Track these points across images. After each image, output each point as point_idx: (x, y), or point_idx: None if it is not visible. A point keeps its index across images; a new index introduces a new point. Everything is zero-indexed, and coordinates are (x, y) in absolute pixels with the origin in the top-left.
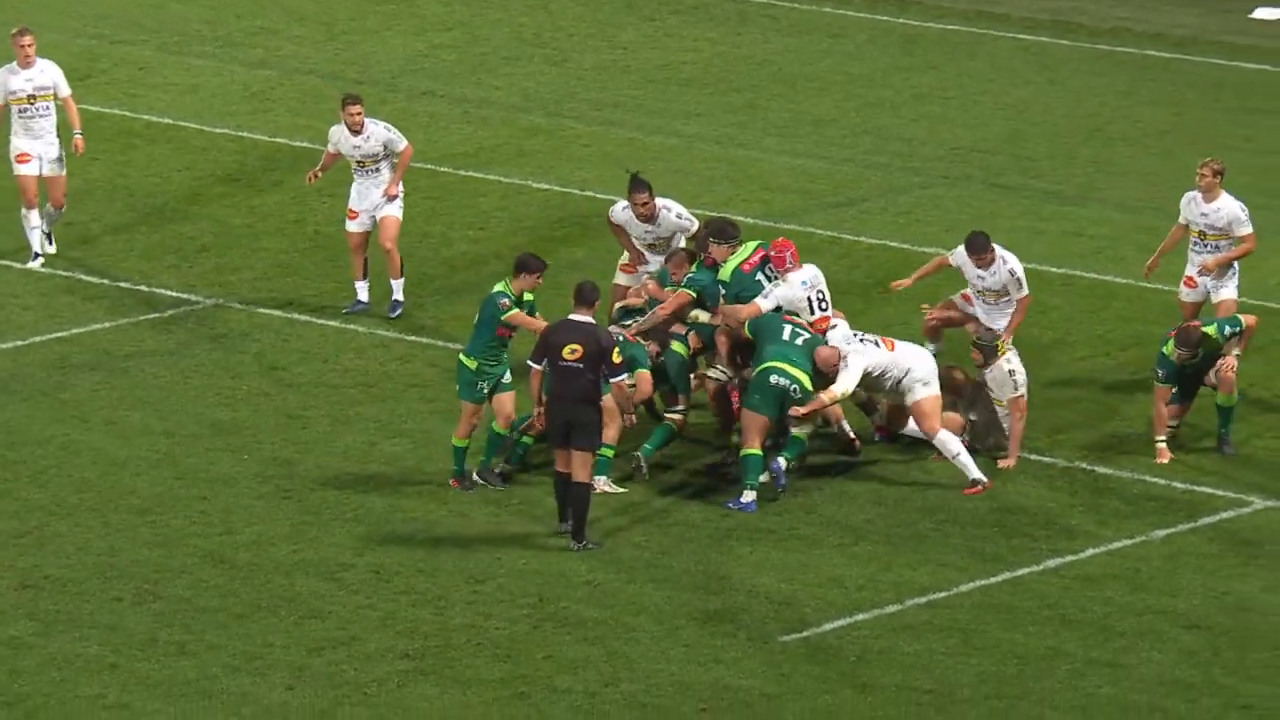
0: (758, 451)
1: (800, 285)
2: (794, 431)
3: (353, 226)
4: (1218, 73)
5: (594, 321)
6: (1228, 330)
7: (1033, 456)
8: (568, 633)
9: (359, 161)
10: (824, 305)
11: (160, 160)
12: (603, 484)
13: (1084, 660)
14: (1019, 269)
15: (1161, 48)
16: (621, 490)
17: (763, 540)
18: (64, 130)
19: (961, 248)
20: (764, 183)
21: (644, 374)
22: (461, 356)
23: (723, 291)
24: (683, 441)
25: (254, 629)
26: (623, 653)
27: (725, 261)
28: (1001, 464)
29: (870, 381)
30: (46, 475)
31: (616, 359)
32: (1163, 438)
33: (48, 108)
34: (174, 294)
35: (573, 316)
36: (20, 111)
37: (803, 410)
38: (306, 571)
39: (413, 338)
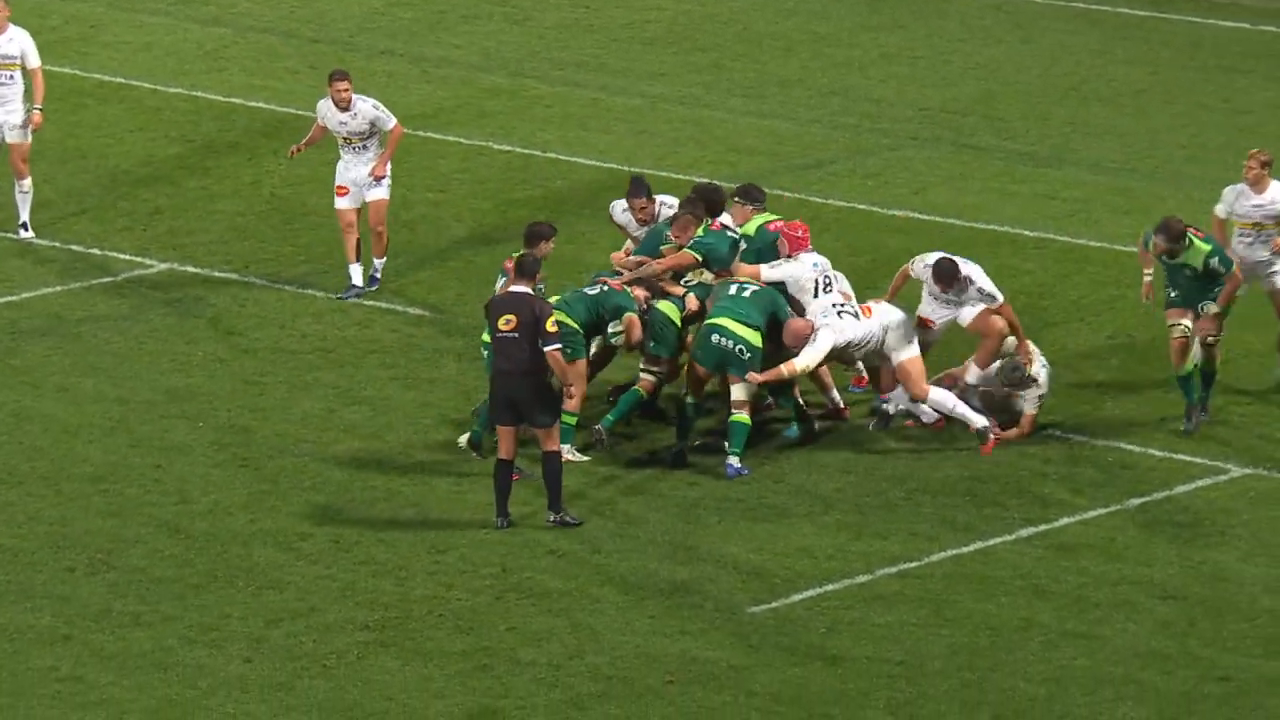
0: (745, 419)
1: (810, 266)
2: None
3: (342, 203)
4: (1195, 31)
5: (530, 292)
6: (1215, 262)
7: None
8: (532, 604)
9: (345, 138)
10: (829, 289)
11: (112, 121)
12: (566, 452)
13: (1058, 632)
14: (987, 284)
15: (1137, 5)
16: (585, 459)
17: (730, 510)
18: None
19: (922, 264)
20: (730, 144)
21: (631, 317)
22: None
23: (743, 247)
24: (655, 407)
25: (211, 600)
26: (587, 624)
27: (748, 221)
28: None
29: (843, 353)
30: None
31: (551, 328)
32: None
33: (12, 76)
34: (127, 258)
35: (511, 288)
36: None
37: (760, 378)
38: (264, 541)
39: (372, 303)
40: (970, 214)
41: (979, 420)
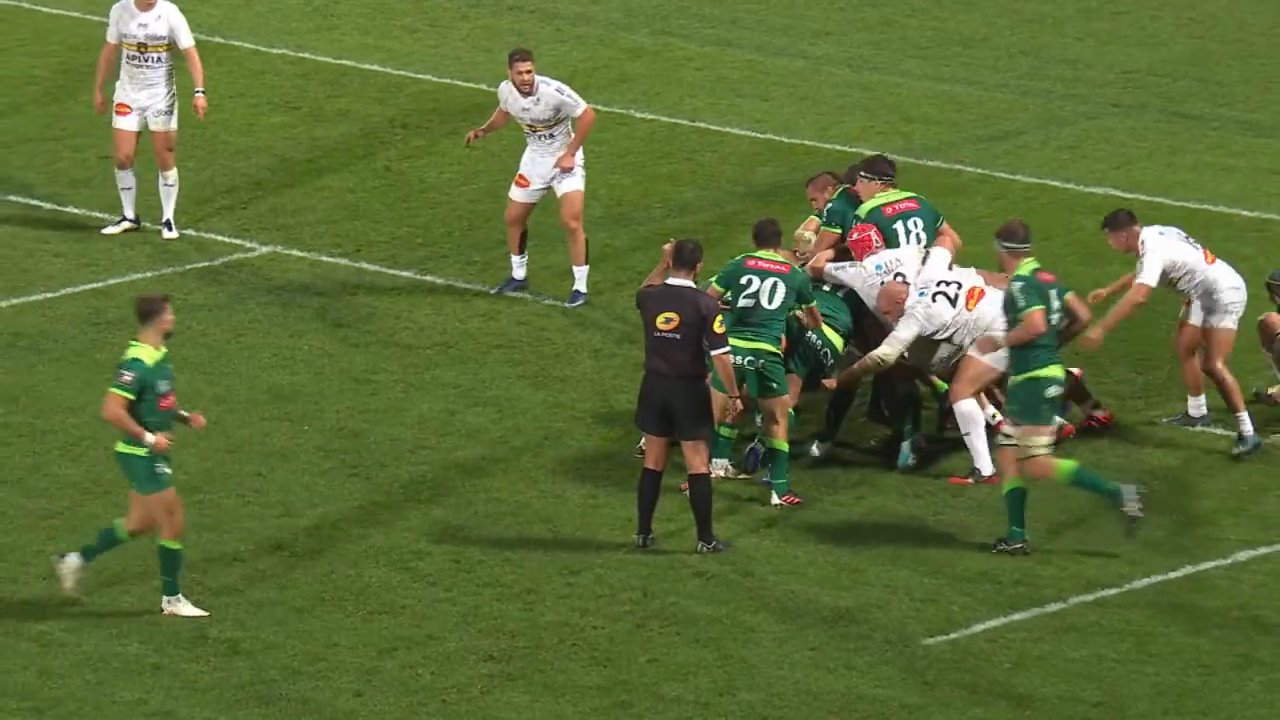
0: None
1: (874, 270)
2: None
3: (517, 194)
4: None
5: (694, 286)
6: None
7: (1220, 430)
8: (676, 633)
9: (529, 125)
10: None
11: (210, 85)
12: (718, 469)
13: None
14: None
15: None
16: (743, 476)
17: (900, 529)
18: (185, 84)
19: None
20: (903, 112)
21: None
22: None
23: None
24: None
25: (316, 626)
26: (740, 656)
27: (871, 198)
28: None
29: (925, 345)
30: (80, 448)
31: (719, 328)
32: None
33: (159, 58)
34: (225, 239)
35: (670, 281)
36: (129, 58)
37: (835, 383)
38: (376, 560)
39: (497, 291)
40: (1180, 191)
41: (983, 460)
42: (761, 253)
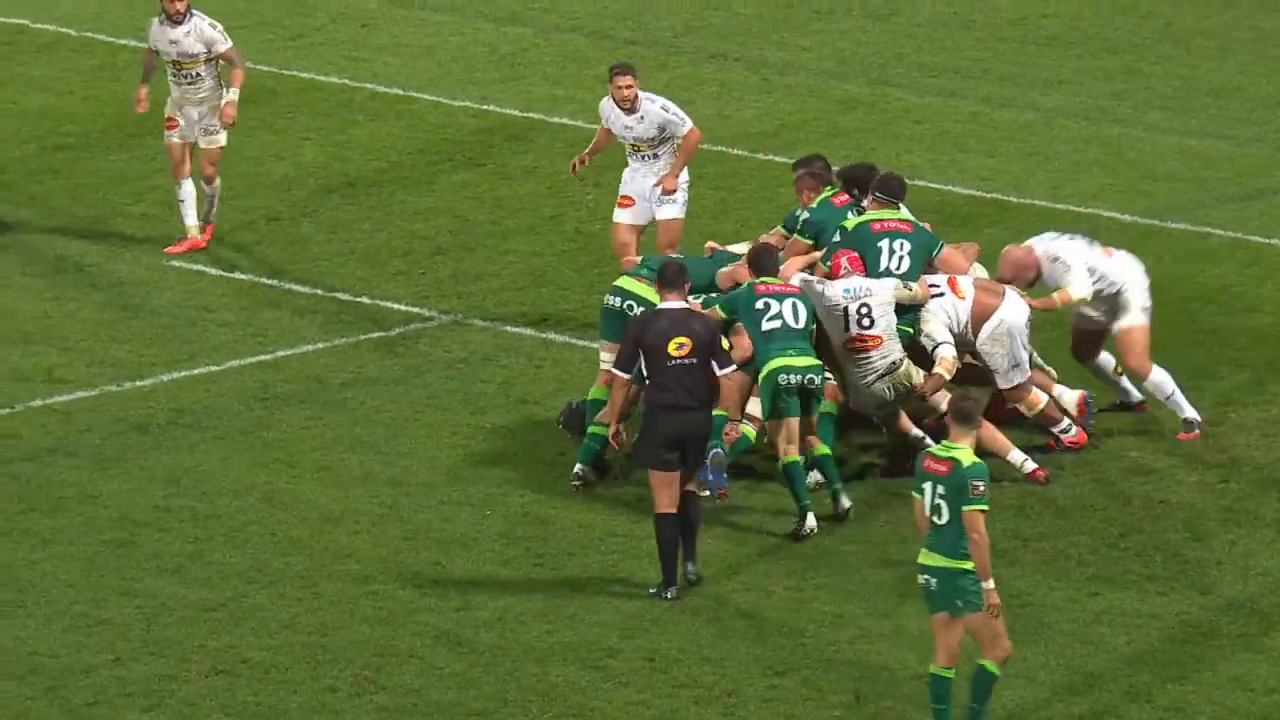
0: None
1: (841, 293)
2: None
3: (621, 216)
4: None
5: (688, 306)
6: None
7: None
8: None
9: (632, 144)
10: (865, 324)
11: (387, 141)
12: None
13: None
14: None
15: None
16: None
17: (1143, 625)
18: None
19: None
20: (1145, 169)
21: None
22: None
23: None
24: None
25: None
26: None
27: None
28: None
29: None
30: (245, 534)
31: (725, 346)
32: None
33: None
34: (402, 307)
35: (666, 305)
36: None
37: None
38: (563, 658)
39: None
40: None
41: (1189, 408)
42: (766, 279)
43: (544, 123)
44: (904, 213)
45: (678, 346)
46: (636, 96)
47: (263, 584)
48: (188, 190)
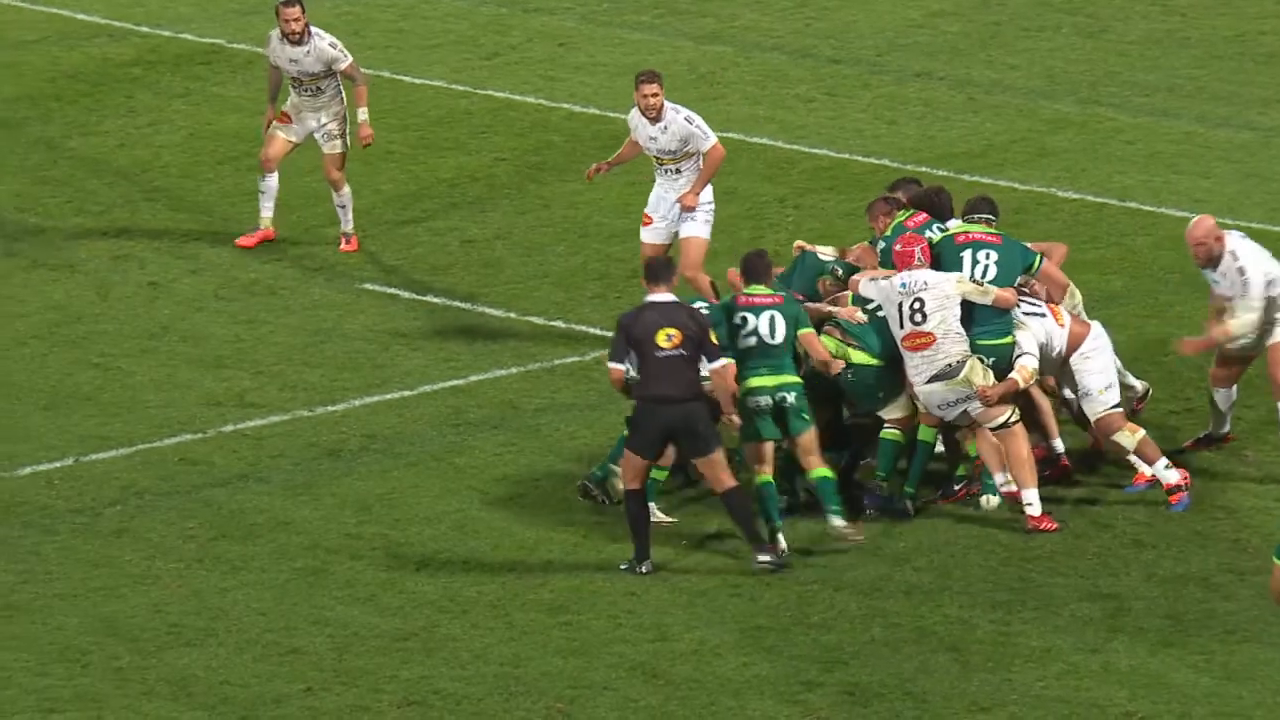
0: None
1: (898, 287)
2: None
3: (645, 234)
4: None
5: (678, 299)
6: None
7: None
8: None
9: (656, 158)
10: (918, 320)
11: (583, 161)
12: (654, 513)
13: None
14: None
15: None
16: (671, 520)
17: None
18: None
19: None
20: None
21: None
22: None
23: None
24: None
25: None
26: None
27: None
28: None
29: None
30: (437, 562)
31: (715, 339)
32: None
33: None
34: (598, 332)
35: (653, 297)
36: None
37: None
38: (761, 690)
39: None
40: None
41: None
42: (751, 289)
43: (744, 143)
44: (993, 228)
45: (667, 338)
46: (662, 106)
47: (455, 613)
48: (271, 184)
